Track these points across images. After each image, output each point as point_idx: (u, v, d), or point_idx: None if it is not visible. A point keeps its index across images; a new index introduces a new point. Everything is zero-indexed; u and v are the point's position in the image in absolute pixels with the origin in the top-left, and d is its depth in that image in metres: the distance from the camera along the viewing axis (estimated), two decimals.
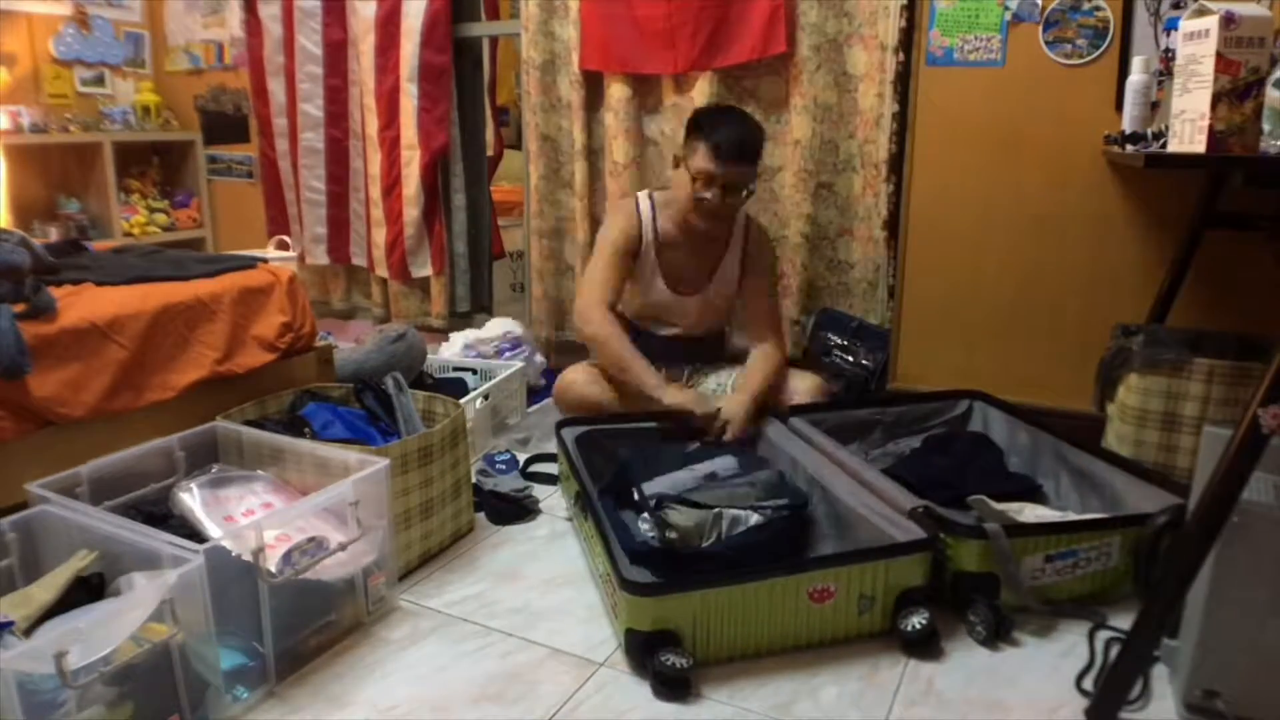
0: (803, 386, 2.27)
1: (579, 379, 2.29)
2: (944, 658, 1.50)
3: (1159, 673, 1.42)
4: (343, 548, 1.51)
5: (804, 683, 1.44)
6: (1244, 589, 1.25)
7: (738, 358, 2.40)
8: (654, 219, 2.27)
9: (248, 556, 1.37)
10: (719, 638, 1.45)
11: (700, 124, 2.15)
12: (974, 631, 1.55)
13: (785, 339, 2.31)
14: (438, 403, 2.00)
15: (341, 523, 1.56)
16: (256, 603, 1.40)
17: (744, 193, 2.15)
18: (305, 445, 1.72)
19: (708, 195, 2.11)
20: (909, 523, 1.59)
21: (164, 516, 1.57)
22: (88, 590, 1.36)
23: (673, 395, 2.11)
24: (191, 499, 1.58)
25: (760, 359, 2.24)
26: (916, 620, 1.50)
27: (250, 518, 1.55)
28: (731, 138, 2.09)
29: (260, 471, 1.73)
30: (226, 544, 1.38)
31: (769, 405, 2.19)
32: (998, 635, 1.53)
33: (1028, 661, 1.50)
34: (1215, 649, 1.28)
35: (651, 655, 1.40)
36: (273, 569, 1.41)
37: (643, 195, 2.33)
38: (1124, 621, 1.44)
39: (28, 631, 1.27)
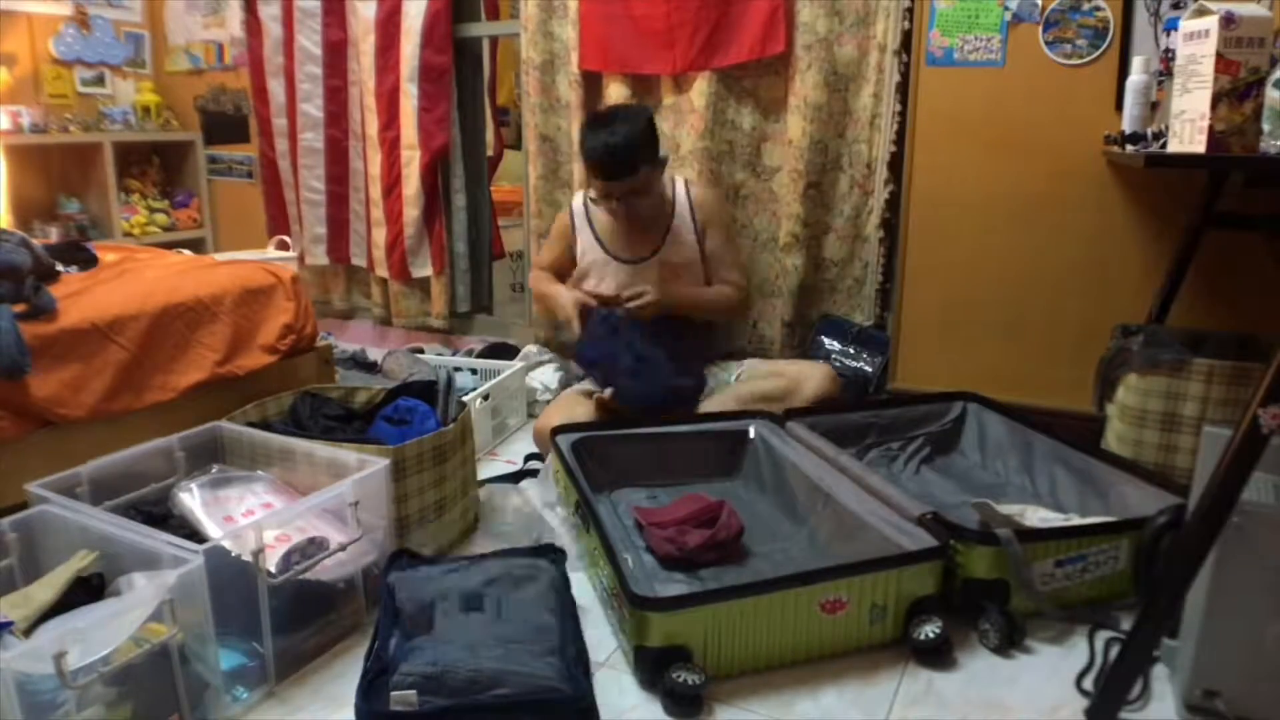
0: (815, 374, 2.29)
1: (553, 416, 2.26)
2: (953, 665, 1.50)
3: (1159, 673, 1.43)
4: (343, 548, 1.51)
5: (804, 683, 1.44)
6: (1244, 589, 1.25)
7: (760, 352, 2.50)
8: (585, 209, 2.46)
9: (247, 557, 1.37)
10: (730, 652, 1.43)
11: (584, 129, 2.29)
12: (986, 639, 1.54)
13: (746, 283, 2.49)
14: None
15: (342, 523, 1.56)
16: (256, 603, 1.40)
17: (639, 195, 2.24)
18: (305, 445, 1.72)
19: (606, 203, 2.28)
20: (919, 530, 1.58)
21: (164, 517, 1.57)
22: (88, 590, 1.36)
23: (570, 294, 2.36)
24: (191, 499, 1.58)
25: (709, 288, 2.41)
26: (929, 629, 1.49)
27: (250, 518, 1.55)
28: (598, 151, 2.20)
29: (261, 472, 1.74)
30: (226, 544, 1.38)
31: (683, 314, 2.36)
32: (1010, 642, 1.52)
33: (1028, 662, 1.50)
34: (1215, 649, 1.28)
35: (662, 672, 1.38)
36: (272, 569, 1.41)
37: (579, 194, 2.54)
38: (1129, 623, 1.44)
39: (27, 631, 1.27)
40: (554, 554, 1.64)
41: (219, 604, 1.31)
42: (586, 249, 2.49)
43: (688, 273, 2.42)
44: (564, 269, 2.59)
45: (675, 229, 2.40)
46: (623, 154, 2.19)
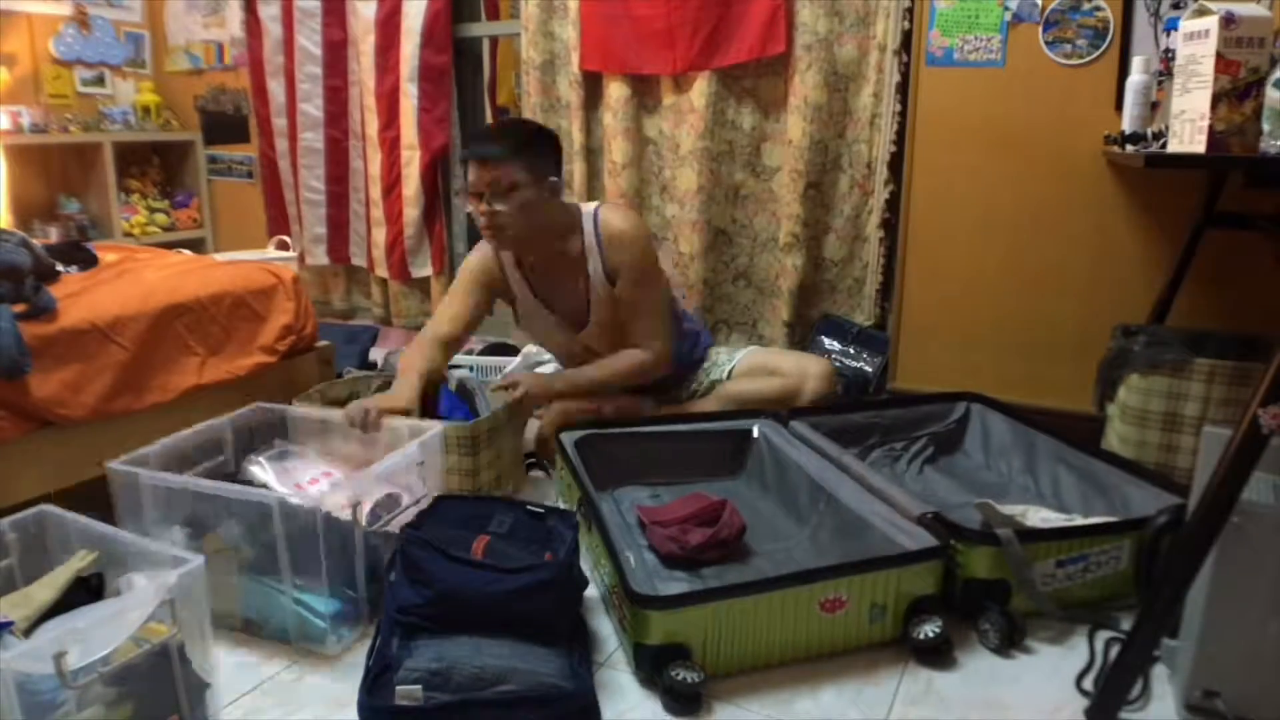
0: (815, 370, 2.25)
1: (549, 423, 2.20)
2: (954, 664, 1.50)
3: (1159, 673, 1.42)
4: (416, 502, 1.64)
5: (804, 681, 1.44)
6: (1244, 589, 1.25)
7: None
8: (513, 259, 2.17)
9: (346, 514, 1.50)
10: (729, 650, 1.43)
11: None
12: (986, 639, 1.53)
13: (664, 340, 2.14)
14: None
15: (396, 488, 1.68)
16: (352, 554, 1.53)
17: (507, 195, 1.93)
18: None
19: (473, 202, 1.99)
20: (919, 529, 1.58)
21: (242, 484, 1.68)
22: (88, 590, 1.36)
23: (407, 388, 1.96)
24: (263, 471, 1.75)
25: (611, 358, 2.12)
26: (929, 629, 1.49)
27: (315, 485, 1.72)
28: (477, 134, 2.07)
29: (307, 447, 1.87)
30: (323, 505, 1.49)
31: (570, 400, 2.17)
32: (1010, 642, 1.52)
33: (1028, 662, 1.50)
34: (1215, 649, 1.28)
35: (661, 670, 1.38)
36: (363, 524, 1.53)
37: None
38: (1129, 623, 1.44)
39: (28, 631, 1.27)
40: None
41: (325, 557, 1.47)
42: (525, 305, 2.24)
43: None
44: (472, 325, 2.20)
45: (593, 277, 2.10)
46: (498, 133, 2.00)
